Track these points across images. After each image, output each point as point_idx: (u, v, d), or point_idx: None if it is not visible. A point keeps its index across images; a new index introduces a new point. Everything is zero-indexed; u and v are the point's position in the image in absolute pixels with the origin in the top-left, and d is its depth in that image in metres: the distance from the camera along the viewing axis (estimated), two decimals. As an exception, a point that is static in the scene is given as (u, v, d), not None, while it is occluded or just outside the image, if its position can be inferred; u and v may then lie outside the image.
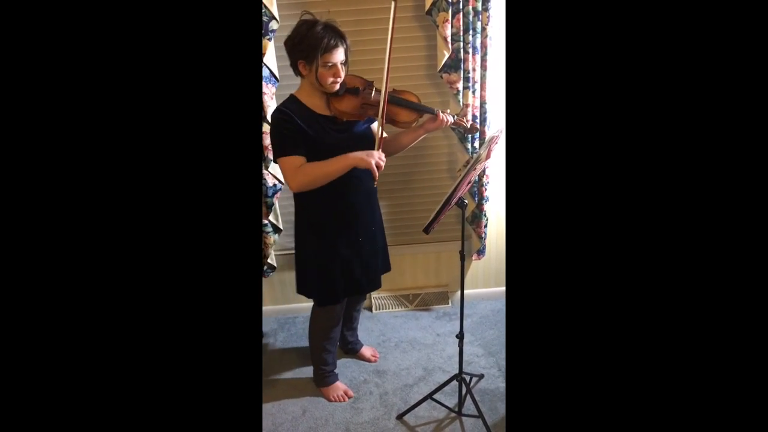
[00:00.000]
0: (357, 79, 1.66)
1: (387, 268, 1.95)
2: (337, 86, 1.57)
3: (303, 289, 1.82)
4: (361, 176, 1.65)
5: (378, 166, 1.57)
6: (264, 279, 2.31)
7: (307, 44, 1.49)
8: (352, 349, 2.14)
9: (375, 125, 1.78)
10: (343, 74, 1.56)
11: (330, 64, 1.52)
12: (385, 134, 1.81)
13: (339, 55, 1.52)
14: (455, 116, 1.73)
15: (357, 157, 1.57)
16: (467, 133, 1.77)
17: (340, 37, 1.53)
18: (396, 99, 1.68)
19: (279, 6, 1.92)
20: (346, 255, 1.73)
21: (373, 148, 1.66)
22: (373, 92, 1.64)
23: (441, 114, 1.68)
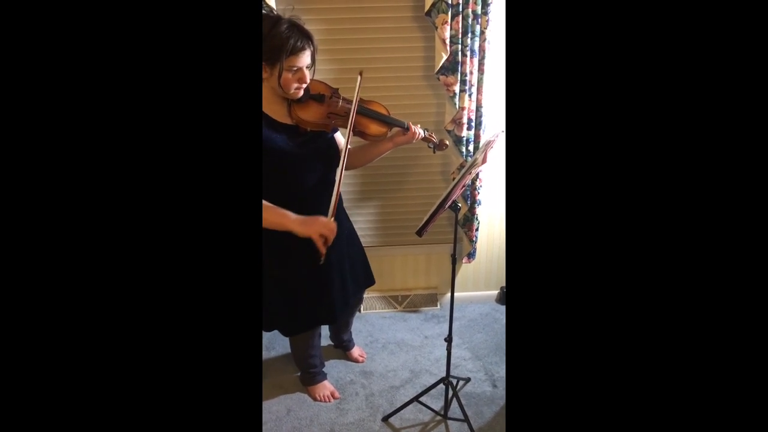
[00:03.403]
0: (321, 85, 1.53)
1: (370, 281, 1.87)
2: (301, 92, 1.44)
3: (268, 323, 1.70)
4: (323, 193, 1.52)
5: (325, 238, 1.42)
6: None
7: (271, 45, 1.33)
8: (345, 347, 2.12)
9: (339, 137, 1.65)
10: (308, 79, 1.42)
11: (295, 68, 1.37)
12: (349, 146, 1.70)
13: (305, 59, 1.38)
14: (426, 130, 1.65)
15: (297, 222, 1.42)
16: (437, 149, 1.72)
17: (307, 37, 1.37)
18: (365, 110, 1.55)
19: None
20: (313, 280, 1.63)
21: (337, 162, 1.52)
22: (341, 101, 1.51)
23: (413, 127, 1.58)
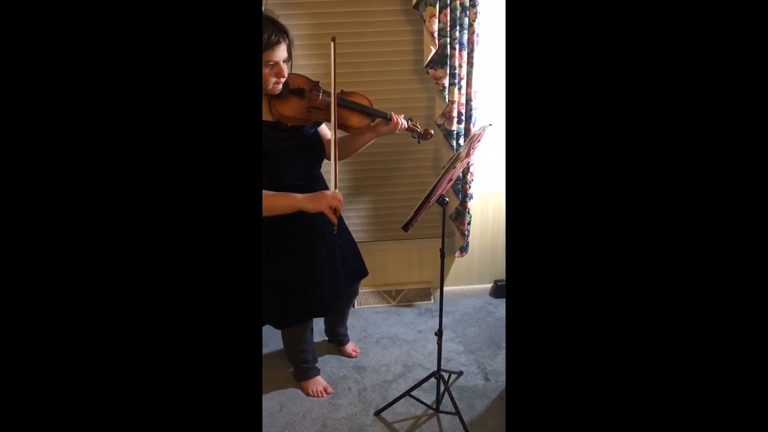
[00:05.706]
0: (300, 78, 1.50)
1: (363, 271, 1.89)
2: (280, 87, 1.43)
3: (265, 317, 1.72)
4: (308, 187, 1.55)
5: (335, 209, 1.44)
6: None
7: None
8: (340, 341, 2.12)
9: (322, 129, 1.65)
10: (286, 73, 1.41)
11: (272, 63, 1.36)
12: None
13: (281, 53, 1.37)
14: (410, 120, 1.64)
15: (305, 199, 1.45)
16: (421, 138, 1.70)
17: (282, 31, 1.37)
18: (347, 102, 1.54)
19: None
20: (307, 274, 1.65)
21: (322, 156, 1.56)
22: (321, 94, 1.50)
23: (396, 117, 1.58)
